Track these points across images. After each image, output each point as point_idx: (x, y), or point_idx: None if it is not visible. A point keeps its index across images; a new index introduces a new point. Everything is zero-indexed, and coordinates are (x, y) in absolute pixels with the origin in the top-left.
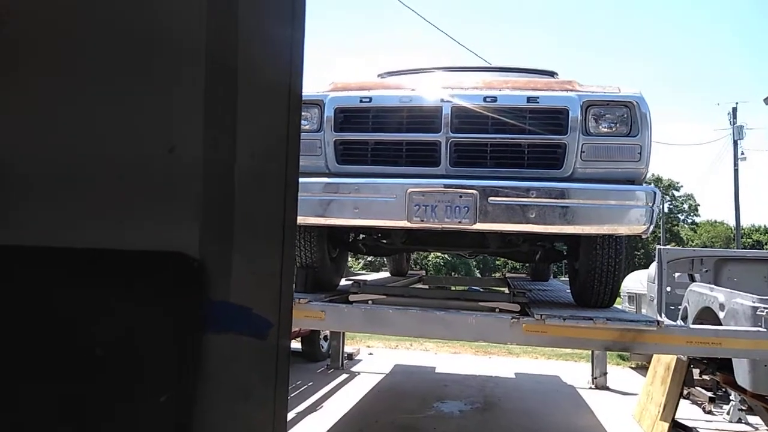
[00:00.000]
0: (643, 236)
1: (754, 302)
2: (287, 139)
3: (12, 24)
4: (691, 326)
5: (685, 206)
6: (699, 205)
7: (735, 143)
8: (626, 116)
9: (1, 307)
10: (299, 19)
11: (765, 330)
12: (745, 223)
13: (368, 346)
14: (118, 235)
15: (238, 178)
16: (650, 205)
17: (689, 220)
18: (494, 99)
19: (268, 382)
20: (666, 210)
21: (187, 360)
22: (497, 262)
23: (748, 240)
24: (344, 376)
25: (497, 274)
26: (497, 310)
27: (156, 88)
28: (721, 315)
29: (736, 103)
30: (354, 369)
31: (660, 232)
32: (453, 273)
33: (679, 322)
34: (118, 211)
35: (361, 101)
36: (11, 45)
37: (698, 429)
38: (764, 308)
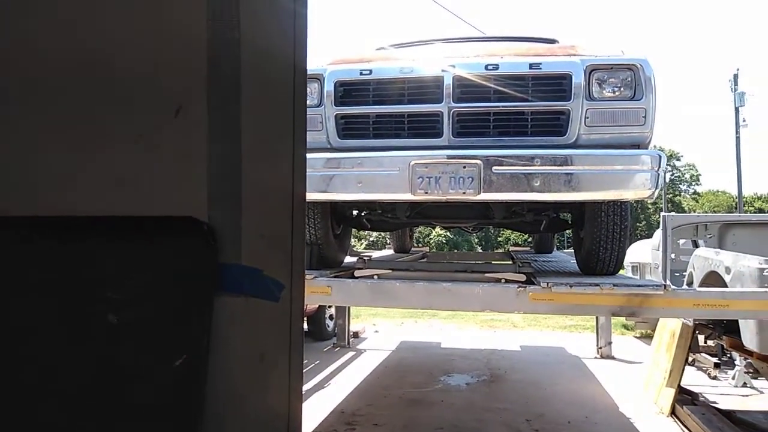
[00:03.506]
0: (649, 201)
1: (760, 264)
2: (293, 105)
3: None
4: (698, 289)
5: (687, 176)
6: (700, 174)
7: (736, 110)
8: (630, 80)
9: (22, 274)
10: None
11: None
12: (747, 191)
13: (374, 324)
14: (131, 202)
15: (245, 142)
16: (656, 169)
17: (691, 190)
18: (496, 66)
19: (283, 344)
20: (667, 180)
21: (200, 322)
22: (499, 239)
23: (750, 208)
24: (351, 353)
25: (500, 250)
26: (503, 280)
27: (161, 48)
28: (728, 278)
29: (737, 70)
30: (360, 346)
31: (662, 203)
32: (455, 250)
33: (685, 287)
34: (131, 178)
35: (361, 74)
36: None
37: (704, 394)
38: None
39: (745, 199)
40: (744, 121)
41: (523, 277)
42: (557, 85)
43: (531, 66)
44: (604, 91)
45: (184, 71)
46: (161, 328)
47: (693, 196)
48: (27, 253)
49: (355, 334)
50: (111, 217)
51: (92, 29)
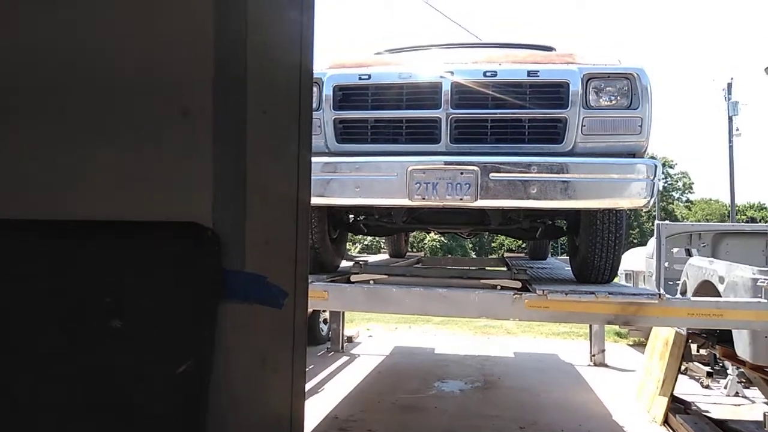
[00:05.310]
0: (644, 209)
1: (754, 274)
2: (300, 109)
3: None
4: (692, 299)
5: (680, 184)
6: (693, 183)
7: (730, 119)
8: (627, 88)
9: (24, 279)
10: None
11: (765, 301)
12: (740, 200)
13: (367, 329)
14: (135, 206)
15: (250, 147)
16: (651, 178)
17: (684, 198)
18: (494, 73)
19: (286, 350)
20: (661, 188)
21: (204, 328)
22: (493, 244)
23: (743, 217)
24: (345, 358)
25: (494, 256)
26: (499, 287)
27: (167, 55)
28: (721, 288)
29: (731, 79)
30: (354, 351)
31: (655, 210)
32: (449, 255)
33: (678, 296)
34: (135, 182)
35: (360, 78)
36: None
37: (696, 403)
38: (764, 279)
39: (737, 208)
40: (737, 130)
41: (518, 284)
42: (554, 93)
43: (529, 73)
44: (600, 100)
45: (189, 73)
46: (164, 335)
47: (686, 204)
48: (25, 258)
49: (349, 339)
50: (114, 221)
51: (97, 28)
